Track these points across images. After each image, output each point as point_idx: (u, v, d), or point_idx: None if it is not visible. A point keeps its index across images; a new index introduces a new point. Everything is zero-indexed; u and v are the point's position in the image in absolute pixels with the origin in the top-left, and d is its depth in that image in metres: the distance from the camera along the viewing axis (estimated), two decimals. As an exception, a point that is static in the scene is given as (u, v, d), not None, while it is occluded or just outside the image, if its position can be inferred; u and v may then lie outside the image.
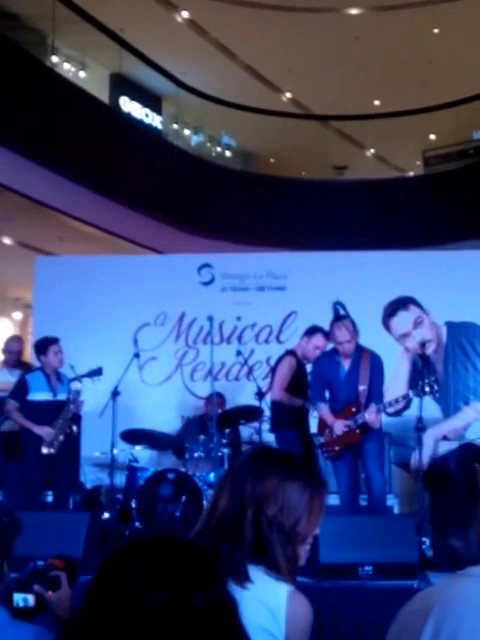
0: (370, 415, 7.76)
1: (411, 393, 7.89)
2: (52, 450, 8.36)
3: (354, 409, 7.87)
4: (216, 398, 9.55)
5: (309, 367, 8.72)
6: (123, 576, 1.33)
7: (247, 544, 2.39)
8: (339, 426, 7.88)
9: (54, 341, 8.75)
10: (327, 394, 8.19)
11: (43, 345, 8.81)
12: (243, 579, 2.35)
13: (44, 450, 8.33)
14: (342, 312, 8.88)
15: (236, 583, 2.32)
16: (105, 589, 1.34)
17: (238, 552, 2.38)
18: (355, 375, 7.96)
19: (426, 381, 7.90)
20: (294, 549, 2.45)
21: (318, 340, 8.65)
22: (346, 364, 8.02)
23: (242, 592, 2.31)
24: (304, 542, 2.49)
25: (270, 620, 2.33)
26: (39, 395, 8.57)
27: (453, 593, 1.41)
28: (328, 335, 8.45)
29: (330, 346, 8.38)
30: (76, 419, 8.84)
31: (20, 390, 8.65)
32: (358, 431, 7.84)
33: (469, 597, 1.38)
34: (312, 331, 8.83)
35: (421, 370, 8.10)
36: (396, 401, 7.96)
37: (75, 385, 8.68)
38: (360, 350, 8.05)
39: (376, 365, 8.03)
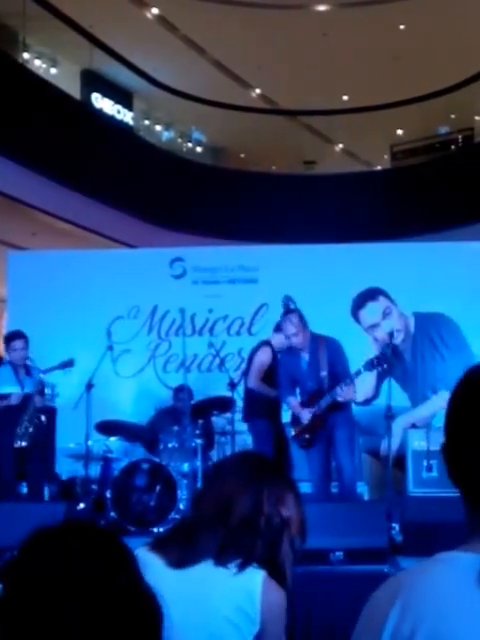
0: (341, 391, 7.86)
1: (362, 368, 7.94)
2: (23, 443, 8.44)
3: (318, 397, 8.01)
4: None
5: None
6: (41, 565, 1.35)
7: (257, 540, 2.56)
8: (305, 415, 8.02)
9: (14, 337, 8.80)
10: (298, 388, 8.32)
11: (5, 340, 8.90)
12: (227, 563, 2.53)
13: (16, 443, 8.42)
14: (291, 306, 8.97)
15: (221, 565, 2.53)
16: (24, 579, 1.35)
17: (244, 543, 2.56)
18: (316, 364, 8.06)
19: (375, 354, 7.99)
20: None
21: None
22: (306, 356, 8.14)
23: (224, 573, 2.51)
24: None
25: (247, 602, 2.48)
26: (7, 389, 8.63)
27: (420, 579, 1.39)
28: None
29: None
30: (47, 410, 8.92)
31: None
32: (321, 414, 7.96)
33: (435, 583, 1.36)
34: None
35: (389, 359, 8.20)
36: (351, 379, 7.98)
37: (41, 377, 8.75)
38: (317, 339, 8.16)
39: (334, 349, 8.11)
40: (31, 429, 8.46)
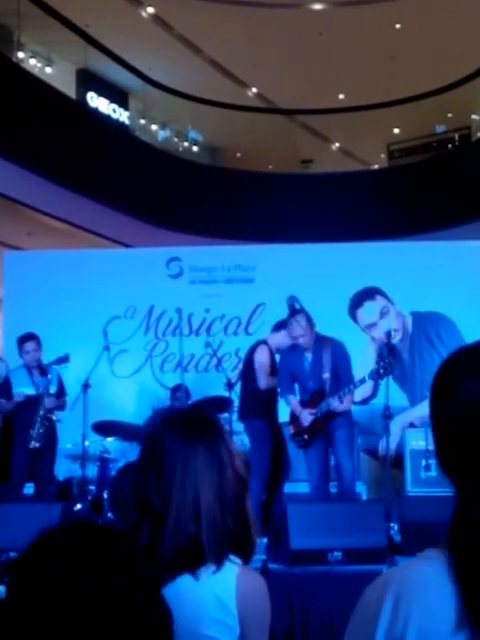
0: (339, 402, 7.84)
1: (366, 377, 7.94)
2: (37, 444, 8.46)
3: (319, 398, 7.98)
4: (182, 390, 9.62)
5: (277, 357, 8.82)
6: (47, 565, 1.34)
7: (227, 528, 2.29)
8: (305, 416, 7.99)
9: (26, 339, 8.82)
10: (297, 387, 8.29)
11: (18, 343, 8.91)
12: (199, 566, 2.27)
13: (31, 445, 8.43)
14: (297, 306, 8.94)
15: (191, 574, 2.25)
16: (28, 578, 1.34)
17: (217, 532, 2.27)
18: (318, 365, 8.03)
19: (381, 364, 7.97)
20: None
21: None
22: (309, 356, 8.11)
23: (196, 586, 2.24)
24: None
25: (222, 611, 2.26)
26: (22, 390, 8.65)
27: (408, 574, 1.42)
28: None
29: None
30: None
31: (4, 388, 8.75)
32: (322, 418, 7.93)
33: (421, 578, 1.40)
34: (280, 326, 8.92)
35: (387, 359, 8.16)
36: (354, 386, 7.99)
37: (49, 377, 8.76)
38: (321, 339, 8.12)
39: (338, 351, 8.09)
40: (42, 430, 8.48)
